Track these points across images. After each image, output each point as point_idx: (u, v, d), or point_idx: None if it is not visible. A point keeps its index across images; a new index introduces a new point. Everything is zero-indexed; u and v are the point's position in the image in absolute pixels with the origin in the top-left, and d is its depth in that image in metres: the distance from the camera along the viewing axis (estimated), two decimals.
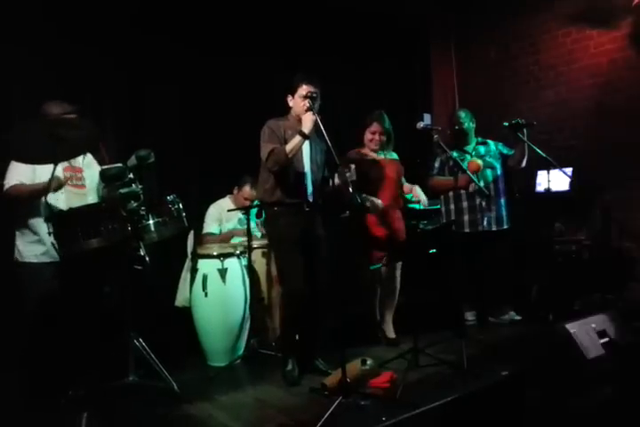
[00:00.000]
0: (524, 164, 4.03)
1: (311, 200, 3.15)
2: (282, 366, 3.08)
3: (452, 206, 4.11)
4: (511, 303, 4.23)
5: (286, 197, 3.09)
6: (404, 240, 3.68)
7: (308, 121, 2.95)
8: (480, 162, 3.89)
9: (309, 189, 3.16)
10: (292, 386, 2.96)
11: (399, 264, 3.77)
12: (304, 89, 3.04)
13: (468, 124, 4.15)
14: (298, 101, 3.08)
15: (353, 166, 3.19)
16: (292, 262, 3.06)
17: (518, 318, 4.18)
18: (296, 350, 3.14)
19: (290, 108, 3.16)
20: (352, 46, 4.85)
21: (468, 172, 3.63)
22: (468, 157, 4.10)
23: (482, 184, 3.88)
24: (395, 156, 3.84)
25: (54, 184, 2.67)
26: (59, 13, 3.52)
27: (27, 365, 2.70)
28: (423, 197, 3.75)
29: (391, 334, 3.75)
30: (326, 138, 2.80)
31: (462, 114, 4.19)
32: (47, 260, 2.82)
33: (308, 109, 2.94)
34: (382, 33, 5.14)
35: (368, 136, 3.70)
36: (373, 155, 3.73)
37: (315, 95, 3.00)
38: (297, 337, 3.21)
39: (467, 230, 4.05)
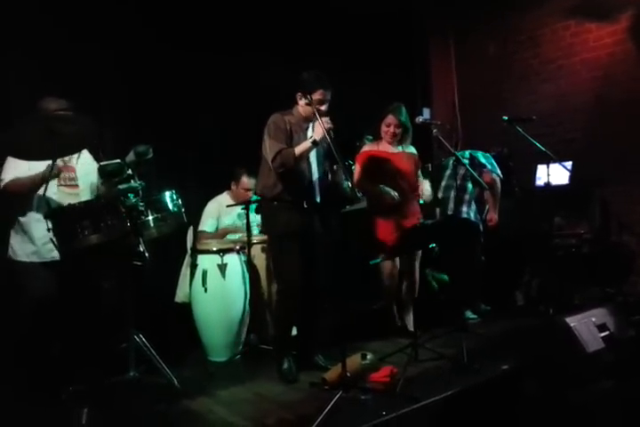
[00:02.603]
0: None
1: (315, 198, 3.14)
2: (278, 366, 3.04)
3: (440, 195, 4.11)
4: (468, 305, 4.22)
5: (287, 194, 3.05)
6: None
7: (320, 129, 2.88)
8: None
9: (314, 187, 3.14)
10: (291, 384, 2.94)
11: (418, 256, 3.73)
12: (320, 94, 2.97)
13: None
14: (305, 103, 3.00)
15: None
16: (290, 258, 3.03)
17: (488, 308, 4.22)
18: (291, 348, 3.12)
19: (296, 103, 3.10)
20: (350, 42, 4.83)
21: (469, 168, 3.63)
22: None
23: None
24: (412, 150, 3.78)
25: (47, 172, 2.65)
26: (56, 10, 3.50)
27: (27, 360, 2.70)
28: (427, 193, 3.72)
29: (411, 327, 3.73)
30: (327, 137, 2.79)
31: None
32: (37, 260, 2.81)
33: (319, 117, 2.86)
34: (381, 28, 5.12)
35: (383, 129, 3.66)
36: (389, 148, 3.69)
37: (327, 101, 2.98)
38: (295, 333, 3.21)
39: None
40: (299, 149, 2.96)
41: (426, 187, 3.77)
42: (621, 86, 4.51)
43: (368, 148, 3.72)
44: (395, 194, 3.52)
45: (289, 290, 3.05)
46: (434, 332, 3.55)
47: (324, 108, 2.98)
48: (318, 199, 3.16)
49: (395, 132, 3.64)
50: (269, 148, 3.00)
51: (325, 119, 2.89)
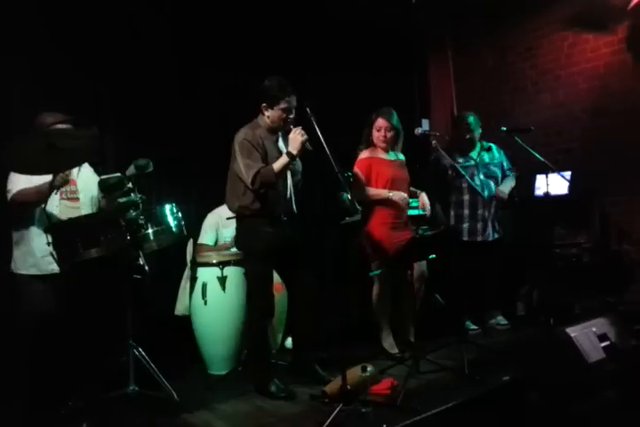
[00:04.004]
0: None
1: (292, 210, 3.13)
2: (264, 390, 2.93)
3: (452, 213, 4.12)
4: (500, 308, 4.24)
5: (266, 210, 3.00)
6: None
7: (297, 142, 2.86)
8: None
9: (291, 199, 3.12)
10: (290, 400, 2.89)
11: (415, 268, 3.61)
12: (285, 102, 2.95)
13: (477, 130, 4.16)
14: (278, 114, 2.99)
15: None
16: (265, 279, 3.00)
17: (505, 322, 4.18)
18: (273, 371, 3.04)
19: (262, 113, 3.06)
20: (349, 53, 4.86)
21: (468, 178, 3.63)
22: (473, 162, 4.10)
23: (486, 194, 3.96)
24: (403, 157, 3.74)
25: (59, 180, 2.67)
26: (57, 23, 3.53)
27: (26, 375, 2.69)
28: (428, 207, 3.65)
29: (412, 338, 3.62)
30: (325, 148, 2.79)
31: (472, 119, 4.15)
32: (36, 272, 2.81)
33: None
34: (380, 40, 5.15)
35: (374, 134, 3.59)
36: (385, 155, 3.63)
37: (294, 107, 2.95)
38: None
39: (465, 239, 4.04)
40: (277, 166, 2.90)
41: (426, 200, 3.67)
42: (618, 96, 4.53)
43: (365, 155, 3.64)
44: (403, 195, 3.48)
45: (263, 310, 3.02)
46: (435, 343, 3.54)
47: (292, 116, 2.96)
48: (295, 210, 3.14)
49: (386, 136, 3.56)
50: (245, 169, 2.92)
51: (299, 130, 2.87)
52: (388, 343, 3.58)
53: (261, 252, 2.99)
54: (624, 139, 4.37)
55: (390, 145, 3.63)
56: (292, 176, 3.14)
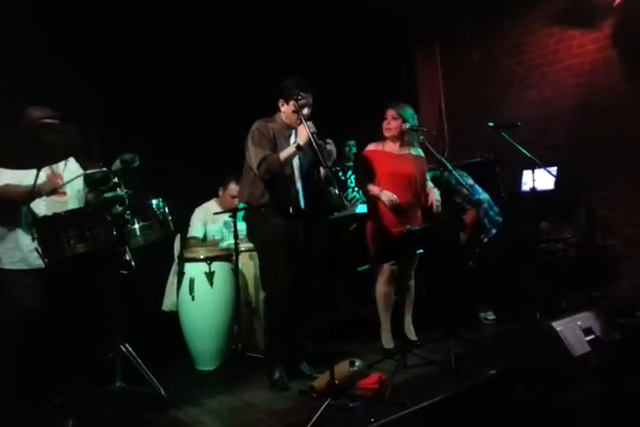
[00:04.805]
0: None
1: (300, 205, 3.14)
2: (268, 376, 3.02)
3: None
4: (492, 305, 4.27)
5: (274, 201, 3.06)
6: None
7: (304, 134, 2.90)
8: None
9: (299, 193, 3.15)
10: (282, 392, 2.92)
11: (413, 262, 3.61)
12: (300, 99, 2.98)
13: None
14: (292, 109, 3.00)
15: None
16: (278, 266, 3.02)
17: (492, 317, 4.22)
18: (282, 357, 3.09)
19: (278, 109, 3.13)
20: (336, 48, 4.86)
21: (455, 173, 3.63)
22: None
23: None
24: (420, 152, 3.66)
25: (48, 186, 2.65)
26: (44, 19, 3.50)
27: (12, 371, 2.67)
28: (435, 204, 3.53)
29: (412, 336, 3.62)
30: (313, 141, 2.80)
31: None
32: (24, 267, 2.77)
33: (304, 121, 2.88)
34: (368, 35, 5.15)
35: (384, 125, 3.56)
36: (394, 149, 3.57)
37: (309, 105, 3.01)
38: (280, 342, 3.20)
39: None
40: (283, 155, 2.97)
41: (436, 197, 3.57)
42: (604, 92, 4.57)
43: (372, 147, 3.60)
44: (391, 196, 3.39)
45: (277, 299, 3.04)
46: (422, 337, 3.56)
47: (305, 111, 3.00)
48: (303, 206, 3.16)
49: (390, 124, 3.52)
50: (254, 155, 3.00)
51: (309, 123, 2.90)
52: (385, 338, 3.57)
53: (271, 244, 3.04)
54: (610, 135, 4.42)
55: (396, 136, 3.55)
56: (300, 170, 3.16)
